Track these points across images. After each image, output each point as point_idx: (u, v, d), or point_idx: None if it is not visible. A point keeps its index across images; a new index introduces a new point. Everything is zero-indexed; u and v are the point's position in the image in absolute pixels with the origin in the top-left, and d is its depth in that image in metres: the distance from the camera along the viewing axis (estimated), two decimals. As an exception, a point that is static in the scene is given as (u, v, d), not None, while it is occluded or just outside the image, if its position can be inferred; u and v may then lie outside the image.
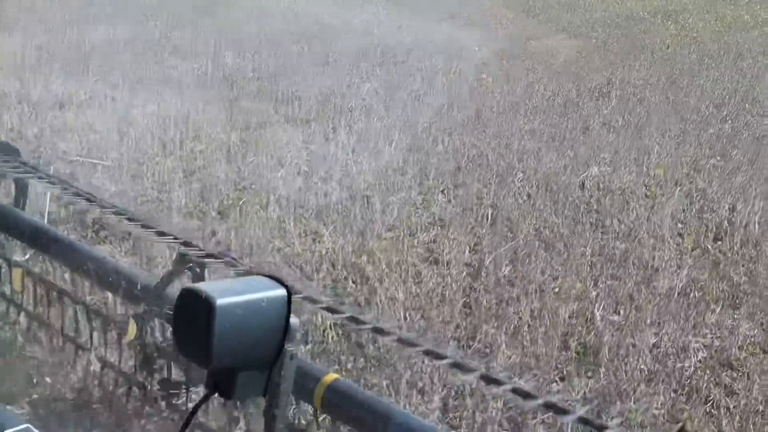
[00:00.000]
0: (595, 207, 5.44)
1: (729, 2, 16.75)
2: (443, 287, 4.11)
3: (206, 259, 2.50)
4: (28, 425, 1.37)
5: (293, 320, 1.21)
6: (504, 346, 3.58)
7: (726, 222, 5.28)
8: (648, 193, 5.67)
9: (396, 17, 12.52)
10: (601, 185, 5.78)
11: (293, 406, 2.32)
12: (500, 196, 5.50)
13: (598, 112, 7.83)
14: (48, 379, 3.01)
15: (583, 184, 5.78)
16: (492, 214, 5.18)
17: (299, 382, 1.43)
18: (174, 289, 2.55)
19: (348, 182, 5.56)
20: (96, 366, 2.88)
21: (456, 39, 11.20)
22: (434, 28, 11.77)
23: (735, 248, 4.95)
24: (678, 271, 4.57)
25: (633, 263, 4.62)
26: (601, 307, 4.06)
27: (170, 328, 2.48)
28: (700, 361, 3.72)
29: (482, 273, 4.24)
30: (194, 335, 1.16)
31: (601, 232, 5.02)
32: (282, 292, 1.20)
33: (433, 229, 4.88)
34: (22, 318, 3.16)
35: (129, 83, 7.60)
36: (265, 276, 1.23)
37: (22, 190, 3.33)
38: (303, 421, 2.44)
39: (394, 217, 5.00)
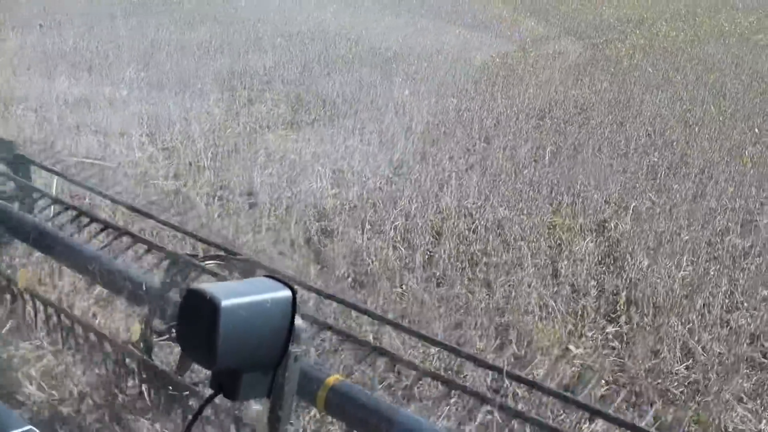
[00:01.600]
0: (484, 261, 4.45)
1: (709, 10, 15.79)
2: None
3: (207, 261, 2.66)
4: (32, 427, 1.31)
5: (298, 322, 1.18)
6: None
7: (640, 283, 4.29)
8: (550, 245, 4.67)
9: (345, 19, 11.61)
10: (497, 232, 4.78)
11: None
12: (374, 248, 4.53)
13: (526, 136, 6.83)
14: (52, 381, 2.94)
15: (475, 230, 4.78)
16: (352, 273, 4.21)
17: (303, 383, 1.37)
18: (179, 291, 2.61)
19: (194, 224, 4.58)
20: (100, 367, 2.84)
21: (400, 47, 10.24)
22: (380, 35, 10.82)
23: (645, 320, 3.97)
24: (563, 357, 3.59)
25: (506, 344, 3.63)
26: (443, 414, 3.07)
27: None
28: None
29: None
30: (199, 336, 1.13)
31: (478, 299, 4.02)
32: (287, 293, 1.18)
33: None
34: (27, 318, 3.12)
35: None
36: (270, 277, 1.20)
37: (25, 191, 3.50)
38: (307, 423, 2.43)
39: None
